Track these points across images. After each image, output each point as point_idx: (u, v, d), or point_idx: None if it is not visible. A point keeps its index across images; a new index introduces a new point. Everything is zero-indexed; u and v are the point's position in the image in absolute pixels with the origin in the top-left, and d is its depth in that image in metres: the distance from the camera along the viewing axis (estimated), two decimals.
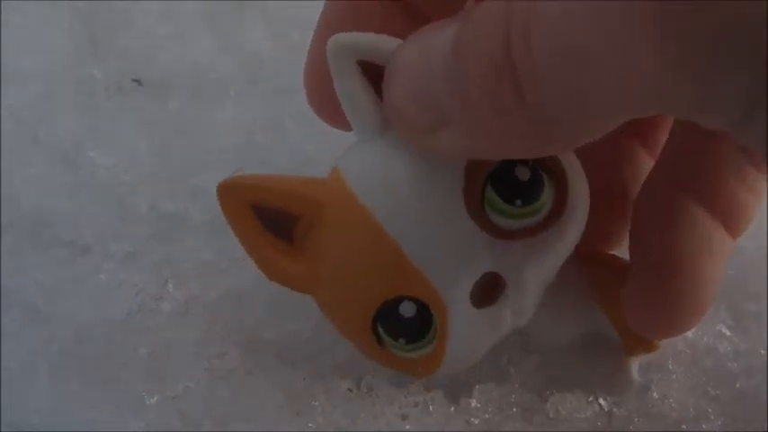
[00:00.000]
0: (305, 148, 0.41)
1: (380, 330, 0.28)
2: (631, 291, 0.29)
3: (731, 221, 0.29)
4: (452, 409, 0.31)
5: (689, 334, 0.34)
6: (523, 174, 0.27)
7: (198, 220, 0.39)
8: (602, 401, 0.32)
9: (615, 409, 0.32)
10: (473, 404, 0.31)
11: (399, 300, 0.28)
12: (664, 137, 0.30)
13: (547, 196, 0.27)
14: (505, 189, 0.27)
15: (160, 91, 0.44)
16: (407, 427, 0.30)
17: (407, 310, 0.28)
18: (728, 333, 0.35)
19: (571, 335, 0.32)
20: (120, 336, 0.34)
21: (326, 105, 0.30)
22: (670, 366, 0.33)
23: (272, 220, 0.29)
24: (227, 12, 0.47)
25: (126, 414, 0.32)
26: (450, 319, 0.28)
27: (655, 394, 0.32)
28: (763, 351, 0.34)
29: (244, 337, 0.34)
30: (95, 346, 0.34)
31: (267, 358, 0.34)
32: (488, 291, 0.27)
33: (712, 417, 0.31)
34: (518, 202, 0.27)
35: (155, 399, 0.32)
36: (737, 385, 0.33)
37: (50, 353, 0.34)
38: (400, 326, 0.28)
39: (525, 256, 0.27)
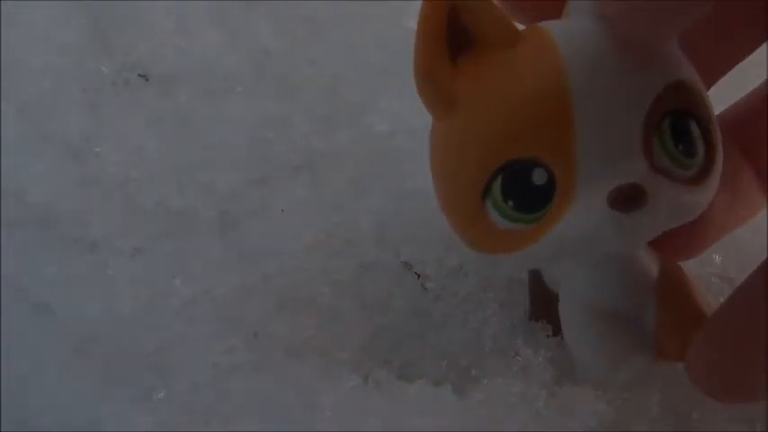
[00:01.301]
0: (312, 144, 0.41)
1: (496, 184, 0.26)
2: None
3: None
4: (460, 403, 0.31)
5: None
6: (694, 129, 0.27)
7: (205, 216, 0.39)
8: (608, 398, 0.31)
9: (621, 406, 0.32)
10: (480, 398, 0.31)
11: (533, 162, 0.26)
12: None
13: (699, 160, 0.27)
14: (676, 131, 0.26)
15: (168, 87, 0.44)
16: (415, 421, 0.30)
17: (539, 176, 0.26)
18: None
19: (611, 306, 0.31)
20: (128, 331, 0.34)
21: None
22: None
23: (461, 30, 0.27)
24: (234, 8, 0.47)
25: (134, 409, 0.32)
26: (574, 204, 0.26)
27: (657, 393, 0.32)
28: None
29: (251, 333, 0.34)
30: (103, 342, 0.34)
31: (275, 354, 0.34)
32: (630, 201, 0.25)
33: (714, 416, 0.31)
34: (680, 146, 0.26)
35: (162, 394, 0.32)
36: None
37: (58, 348, 0.34)
38: (522, 188, 0.26)
39: (669, 192, 0.26)
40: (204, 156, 0.41)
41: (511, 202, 0.26)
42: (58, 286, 0.36)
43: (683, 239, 0.30)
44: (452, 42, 0.27)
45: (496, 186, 0.26)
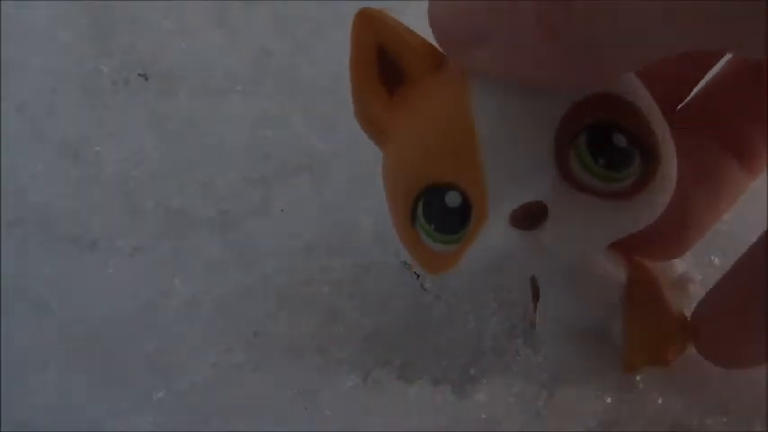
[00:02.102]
0: (311, 143, 0.41)
1: (419, 208, 0.28)
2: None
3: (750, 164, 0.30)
4: (459, 403, 0.31)
5: None
6: (619, 141, 0.26)
7: (205, 216, 0.39)
8: (608, 399, 0.31)
9: (621, 406, 0.32)
10: (480, 399, 0.31)
11: (449, 186, 0.27)
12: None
13: (633, 171, 0.27)
14: (595, 144, 0.26)
15: (167, 86, 0.44)
16: (415, 421, 0.30)
17: (453, 199, 0.27)
18: None
19: (581, 323, 0.31)
20: (128, 331, 0.34)
21: None
22: (678, 365, 0.33)
23: (390, 64, 0.28)
24: (234, 7, 0.47)
25: (133, 409, 0.32)
26: (485, 224, 0.27)
27: (657, 394, 0.32)
28: None
29: (251, 333, 0.34)
30: (102, 342, 0.34)
31: (274, 353, 0.34)
32: (529, 218, 0.26)
33: (714, 416, 0.31)
34: (601, 161, 0.26)
35: (162, 394, 0.32)
36: (737, 386, 0.33)
37: (57, 348, 0.34)
38: (439, 211, 0.27)
39: (584, 208, 0.26)
40: (204, 155, 0.41)
41: (433, 225, 0.27)
42: (57, 286, 0.36)
43: (662, 241, 0.30)
44: (388, 75, 0.28)
45: (419, 211, 0.28)
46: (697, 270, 0.36)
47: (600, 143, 0.26)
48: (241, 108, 0.43)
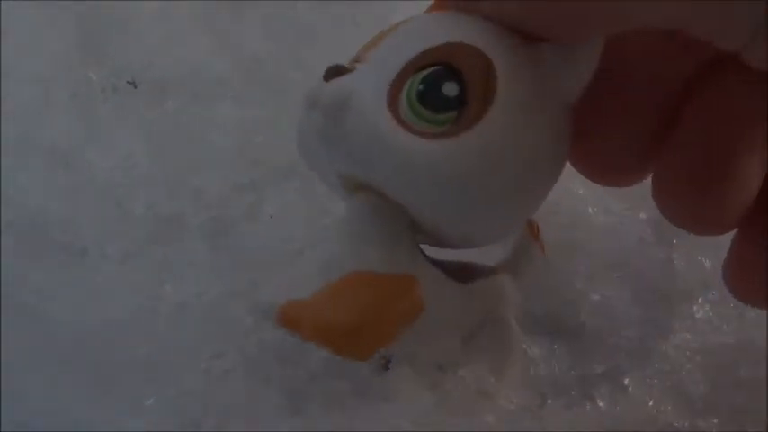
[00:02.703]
0: None
1: None
2: (739, 261, 0.29)
3: None
4: (450, 407, 0.31)
5: (688, 335, 0.34)
6: (449, 89, 0.27)
7: (195, 221, 0.39)
8: (600, 402, 0.32)
9: (612, 408, 0.32)
10: (474, 400, 0.31)
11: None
12: None
13: (450, 118, 0.27)
14: (424, 89, 0.27)
15: (157, 92, 0.44)
16: (406, 426, 0.30)
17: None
18: (728, 333, 0.35)
19: None
20: (119, 337, 0.34)
21: None
22: (667, 367, 0.33)
23: None
24: (223, 13, 0.48)
25: (124, 415, 0.31)
26: None
27: (649, 396, 0.32)
28: (763, 352, 0.34)
29: (241, 338, 0.34)
30: (93, 348, 0.34)
31: (265, 359, 0.34)
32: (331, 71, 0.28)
33: (705, 417, 0.32)
34: (429, 102, 0.27)
35: (153, 400, 0.32)
36: (735, 387, 0.33)
37: (48, 355, 0.33)
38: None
39: (389, 124, 0.27)
40: (193, 162, 0.41)
41: None
42: (47, 292, 0.36)
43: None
44: None
45: None
46: (689, 273, 0.37)
47: (432, 86, 0.27)
48: (231, 114, 0.43)
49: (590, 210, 0.39)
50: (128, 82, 0.45)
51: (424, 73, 0.27)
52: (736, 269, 0.29)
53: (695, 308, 0.35)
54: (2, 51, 0.45)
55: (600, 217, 0.39)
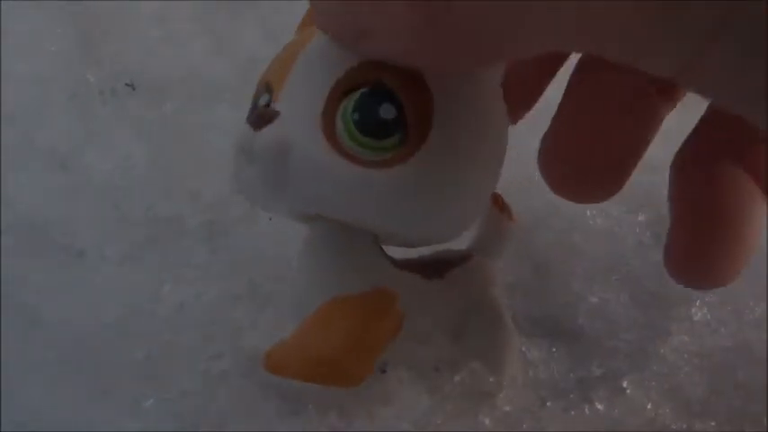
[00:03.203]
0: None
1: None
2: (676, 243, 0.29)
3: None
4: (449, 409, 0.31)
5: (686, 337, 0.34)
6: (386, 111, 0.26)
7: (194, 223, 0.39)
8: (598, 405, 0.32)
9: (609, 411, 0.32)
10: (472, 403, 0.31)
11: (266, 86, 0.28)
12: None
13: (393, 144, 0.26)
14: (363, 108, 0.26)
15: (155, 95, 0.44)
16: (404, 426, 0.30)
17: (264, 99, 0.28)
18: (726, 335, 0.35)
19: None
20: (117, 339, 0.34)
21: None
22: (665, 369, 0.33)
23: None
24: (221, 15, 0.48)
25: (123, 417, 0.31)
26: None
27: (647, 399, 0.32)
28: (763, 353, 0.34)
29: (239, 340, 0.34)
30: (92, 350, 0.34)
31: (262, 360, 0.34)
32: (259, 117, 0.27)
33: (702, 420, 0.32)
34: (363, 124, 0.26)
35: (151, 401, 0.32)
36: (733, 389, 0.33)
37: (47, 356, 0.33)
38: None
39: (329, 157, 0.26)
40: (192, 163, 0.41)
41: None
42: (46, 294, 0.36)
43: (590, 181, 0.30)
44: None
45: None
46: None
47: (368, 108, 0.26)
48: (228, 116, 0.43)
49: (588, 212, 0.39)
50: (126, 84, 0.45)
51: (355, 96, 0.26)
52: (672, 250, 0.30)
53: (693, 310, 0.35)
54: (1, 53, 0.44)
55: (598, 220, 0.39)
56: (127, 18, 0.47)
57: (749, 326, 0.35)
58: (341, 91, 0.26)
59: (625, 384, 0.33)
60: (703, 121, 0.29)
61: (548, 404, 0.32)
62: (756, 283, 0.36)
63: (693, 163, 0.29)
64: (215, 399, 0.32)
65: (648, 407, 0.32)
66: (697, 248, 0.29)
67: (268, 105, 0.27)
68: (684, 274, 0.29)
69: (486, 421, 0.31)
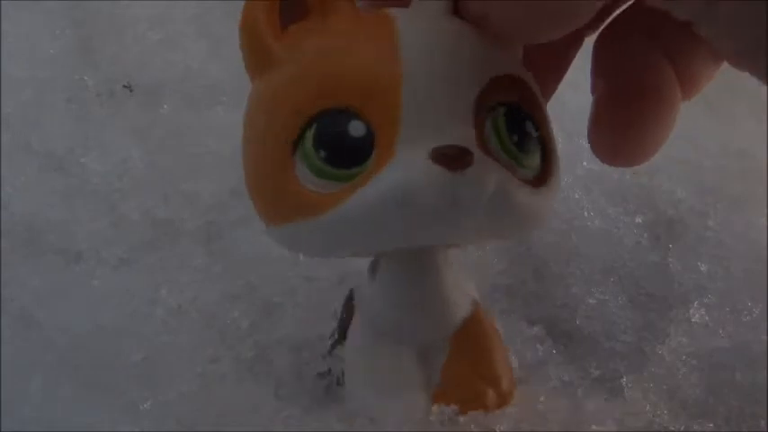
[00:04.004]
0: None
1: (310, 134, 0.25)
2: (597, 119, 0.30)
3: (685, 84, 0.30)
4: (449, 410, 0.31)
5: (684, 338, 0.34)
6: (530, 128, 0.27)
7: (191, 226, 0.39)
8: (597, 406, 0.32)
9: (609, 411, 0.32)
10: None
11: (352, 114, 0.25)
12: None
13: (536, 164, 0.27)
14: (510, 122, 0.26)
15: (152, 97, 0.44)
16: (406, 428, 0.30)
17: (357, 128, 0.25)
18: (724, 336, 0.35)
19: (399, 335, 0.30)
20: (114, 341, 0.34)
21: None
22: (663, 370, 0.33)
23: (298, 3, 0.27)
24: (218, 18, 0.48)
25: (120, 419, 0.31)
26: (390, 164, 0.25)
27: (646, 400, 0.32)
28: (762, 354, 0.34)
29: (237, 342, 0.34)
30: (89, 352, 0.34)
31: (260, 363, 0.34)
32: (455, 158, 0.24)
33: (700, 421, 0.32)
34: (515, 137, 0.26)
35: (149, 404, 0.32)
36: (731, 390, 0.33)
37: (44, 359, 0.33)
38: (336, 140, 0.25)
39: (498, 178, 0.25)
40: (189, 166, 0.41)
41: (323, 153, 0.25)
42: (43, 297, 0.36)
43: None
44: (289, 12, 0.27)
45: (309, 138, 0.25)
46: (685, 277, 0.37)
47: (514, 123, 0.26)
48: (225, 118, 0.43)
49: (586, 214, 0.39)
50: (124, 86, 0.45)
51: (500, 113, 0.26)
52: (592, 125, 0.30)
53: (691, 312, 0.35)
54: None
55: (596, 221, 0.39)
56: (124, 21, 0.47)
57: (747, 327, 0.35)
58: (482, 107, 0.26)
59: (623, 385, 0.33)
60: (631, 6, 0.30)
61: (547, 405, 0.32)
62: (754, 285, 0.36)
63: (613, 40, 0.30)
64: (212, 401, 0.32)
65: (647, 408, 0.32)
66: (614, 122, 0.30)
67: (368, 136, 0.25)
68: (603, 149, 0.30)
69: (487, 421, 0.31)
